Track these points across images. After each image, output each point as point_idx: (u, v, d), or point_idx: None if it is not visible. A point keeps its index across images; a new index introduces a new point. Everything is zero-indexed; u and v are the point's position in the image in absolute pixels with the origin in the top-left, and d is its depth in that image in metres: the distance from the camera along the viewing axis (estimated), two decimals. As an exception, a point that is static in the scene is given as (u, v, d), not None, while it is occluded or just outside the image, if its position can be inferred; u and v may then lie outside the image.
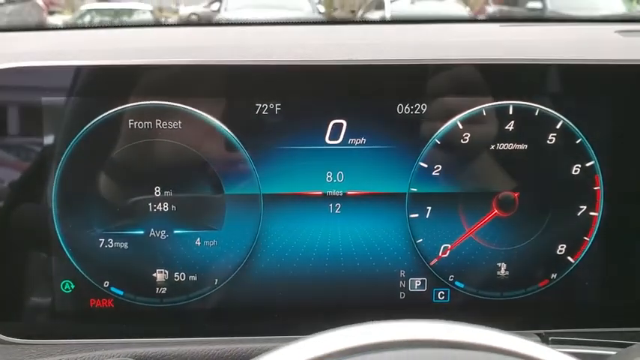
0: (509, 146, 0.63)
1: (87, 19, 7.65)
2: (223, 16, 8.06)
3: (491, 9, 9.31)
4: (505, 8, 9.07)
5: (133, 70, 0.61)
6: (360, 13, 9.43)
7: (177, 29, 1.00)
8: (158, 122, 0.61)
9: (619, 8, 7.69)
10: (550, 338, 0.64)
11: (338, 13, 12.00)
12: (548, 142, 0.64)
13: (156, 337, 0.64)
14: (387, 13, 8.07)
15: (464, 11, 8.59)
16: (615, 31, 0.83)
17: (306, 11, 8.38)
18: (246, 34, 0.88)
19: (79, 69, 0.61)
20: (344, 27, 1.00)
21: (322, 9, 9.81)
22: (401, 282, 0.65)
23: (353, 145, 0.63)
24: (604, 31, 0.90)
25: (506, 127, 0.63)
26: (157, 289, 0.64)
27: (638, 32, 0.82)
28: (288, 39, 0.78)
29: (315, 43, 0.73)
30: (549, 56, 0.64)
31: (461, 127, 0.63)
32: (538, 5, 8.09)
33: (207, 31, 0.96)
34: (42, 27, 0.95)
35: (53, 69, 0.61)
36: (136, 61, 0.61)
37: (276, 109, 0.62)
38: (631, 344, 0.54)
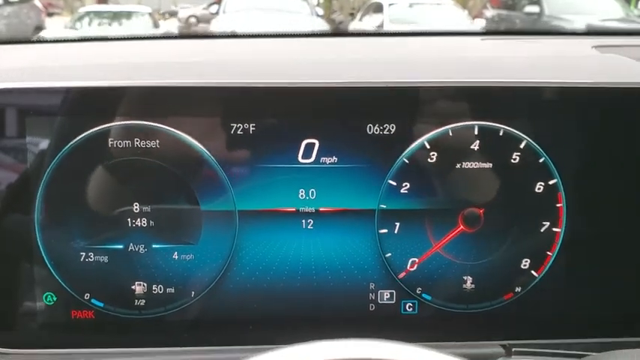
0: (475, 165, 0.66)
1: (85, 21, 7.69)
2: (222, 18, 8.10)
3: (490, 13, 9.35)
4: (503, 12, 9.11)
5: (114, 91, 0.64)
6: (358, 16, 9.47)
7: (164, 42, 1.02)
8: (137, 141, 0.64)
9: (616, 12, 7.73)
10: (513, 349, 0.66)
11: (337, 16, 12.04)
12: (512, 161, 0.66)
13: (136, 347, 0.67)
14: (386, 17, 8.11)
15: (462, 15, 8.64)
16: (593, 46, 0.86)
17: (304, 14, 8.41)
18: (228, 50, 0.90)
19: (62, 90, 0.63)
20: (330, 40, 1.03)
21: (321, 11, 9.85)
22: (370, 294, 0.68)
23: (325, 163, 0.65)
24: (581, 46, 0.93)
25: (472, 147, 0.66)
26: (136, 300, 0.67)
27: (614, 47, 0.84)
28: (268, 58, 0.81)
29: (291, 62, 0.76)
30: (518, 77, 0.66)
31: (428, 146, 0.66)
32: (535, 10, 8.13)
33: (193, 46, 0.99)
34: (27, 40, 0.97)
35: (37, 90, 0.64)
36: (116, 83, 0.64)
37: (251, 128, 0.64)
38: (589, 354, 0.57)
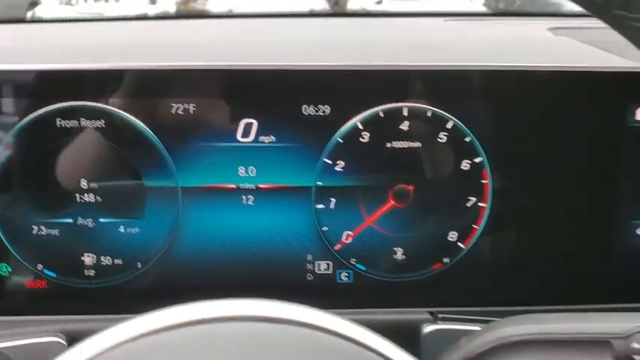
0: (404, 144, 0.70)
1: (67, -11, 7.54)
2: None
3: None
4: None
5: (60, 74, 0.67)
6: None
7: (117, 24, 1.04)
8: (83, 121, 0.67)
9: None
10: (439, 315, 0.72)
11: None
12: (439, 140, 0.70)
13: (87, 315, 0.71)
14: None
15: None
16: (548, 28, 0.89)
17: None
18: (174, 32, 0.93)
19: (11, 72, 0.66)
20: (279, 21, 1.05)
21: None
22: (308, 265, 0.73)
23: (263, 142, 0.69)
24: (537, 28, 0.95)
25: (401, 127, 0.70)
26: (86, 271, 0.71)
27: (569, 29, 0.88)
28: (211, 40, 0.84)
29: (232, 44, 0.79)
30: (445, 61, 0.70)
31: (360, 127, 0.69)
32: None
33: (144, 27, 1.00)
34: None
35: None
36: (61, 66, 0.67)
37: (191, 108, 0.68)
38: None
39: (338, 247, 0.72)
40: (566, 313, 0.52)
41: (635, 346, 0.46)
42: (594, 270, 0.74)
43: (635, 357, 0.46)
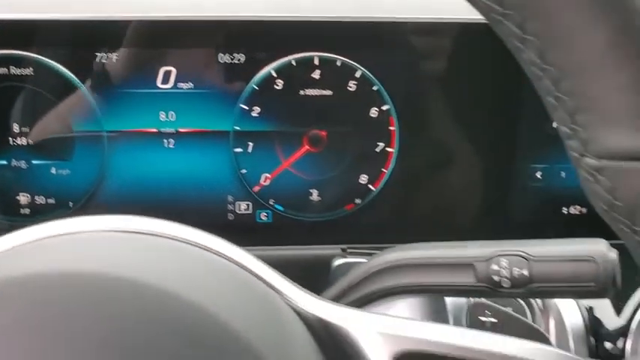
0: (316, 92, 0.75)
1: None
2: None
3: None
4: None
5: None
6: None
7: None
8: (12, 69, 0.72)
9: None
10: (349, 251, 0.78)
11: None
12: (349, 88, 0.75)
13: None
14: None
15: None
16: None
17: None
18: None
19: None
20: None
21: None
22: (229, 205, 0.78)
23: (182, 89, 0.74)
24: None
25: (313, 75, 0.74)
26: (21, 209, 0.76)
27: None
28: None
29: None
30: (355, 14, 0.74)
31: (274, 75, 0.74)
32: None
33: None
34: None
35: None
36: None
37: (114, 57, 0.72)
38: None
39: (257, 188, 0.78)
40: (441, 242, 0.57)
41: (494, 267, 0.52)
42: (496, 210, 0.80)
43: (493, 276, 0.52)
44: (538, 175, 0.79)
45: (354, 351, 0.38)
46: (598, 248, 0.49)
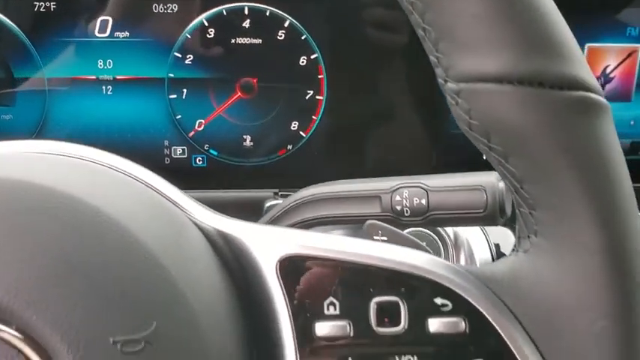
0: (247, 40, 0.79)
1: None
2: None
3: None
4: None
5: None
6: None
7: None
8: (-45, 16, 0.76)
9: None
10: (280, 193, 0.82)
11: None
12: (278, 37, 0.79)
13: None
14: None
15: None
16: None
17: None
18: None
19: None
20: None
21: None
22: (165, 150, 0.82)
23: (119, 37, 0.78)
24: None
25: (244, 25, 0.78)
26: (-33, 153, 0.80)
27: None
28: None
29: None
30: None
31: (206, 24, 0.78)
32: None
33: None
34: None
35: None
36: None
37: (52, 6, 0.76)
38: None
39: (192, 134, 0.82)
40: (354, 179, 0.61)
41: (397, 198, 0.56)
42: (422, 155, 0.84)
43: (396, 206, 0.56)
44: (461, 122, 0.83)
45: (248, 259, 0.41)
46: (488, 179, 0.54)
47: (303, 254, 0.38)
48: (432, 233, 0.75)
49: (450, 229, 0.75)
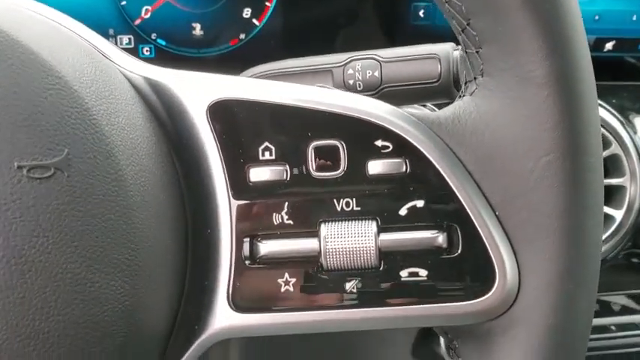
0: None
1: None
2: None
3: None
4: None
5: None
6: None
7: None
8: None
9: None
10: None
11: None
12: None
13: None
14: None
15: None
16: None
17: None
18: None
19: None
20: None
21: None
22: (110, 39, 0.77)
23: None
24: None
25: None
26: None
27: None
28: None
29: None
30: None
31: None
32: None
33: None
34: None
35: None
36: None
37: None
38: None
39: (138, 21, 0.77)
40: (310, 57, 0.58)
41: (349, 71, 0.53)
42: (382, 45, 0.81)
43: (349, 80, 0.53)
44: (420, 13, 0.80)
45: (177, 106, 0.39)
46: (443, 47, 0.51)
47: (234, 98, 0.36)
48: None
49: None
